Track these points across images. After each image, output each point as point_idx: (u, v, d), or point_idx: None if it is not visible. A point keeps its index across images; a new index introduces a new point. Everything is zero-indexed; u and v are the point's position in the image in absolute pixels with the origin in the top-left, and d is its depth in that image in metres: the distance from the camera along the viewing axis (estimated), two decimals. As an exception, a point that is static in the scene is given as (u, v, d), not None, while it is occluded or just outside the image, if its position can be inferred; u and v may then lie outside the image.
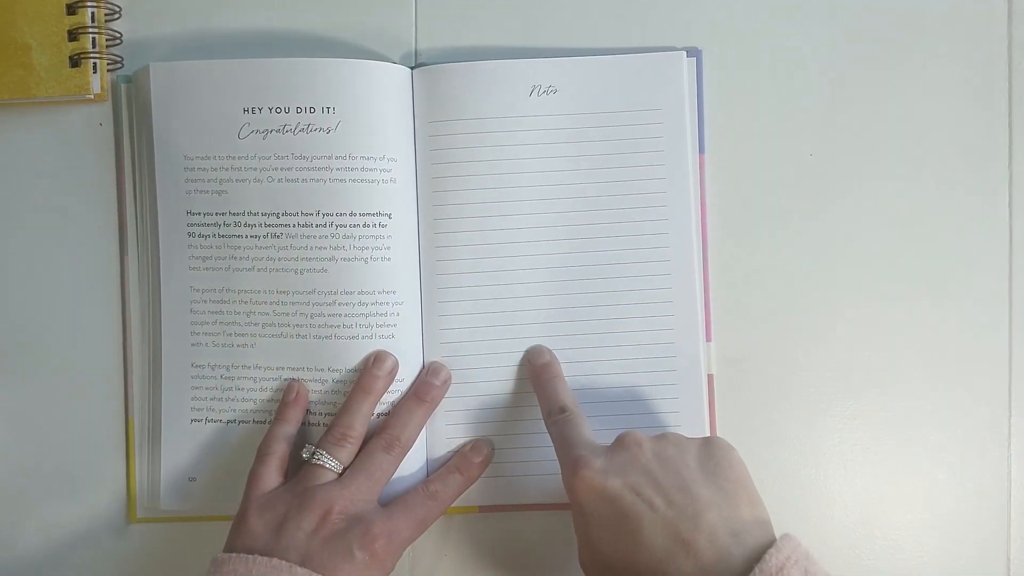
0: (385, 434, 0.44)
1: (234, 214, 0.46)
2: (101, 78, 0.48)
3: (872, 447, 0.48)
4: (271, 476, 0.43)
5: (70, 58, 0.47)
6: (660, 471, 0.38)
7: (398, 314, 0.46)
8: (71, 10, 0.47)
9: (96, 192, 0.48)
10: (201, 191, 0.46)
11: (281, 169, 0.45)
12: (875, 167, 0.48)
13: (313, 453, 0.43)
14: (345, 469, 0.43)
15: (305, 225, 0.45)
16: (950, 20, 0.48)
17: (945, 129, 0.48)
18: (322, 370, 0.46)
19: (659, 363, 0.47)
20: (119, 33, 0.48)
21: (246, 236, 0.46)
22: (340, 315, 0.45)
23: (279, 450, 0.44)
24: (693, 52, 0.48)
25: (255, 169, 0.46)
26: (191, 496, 0.47)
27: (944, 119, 0.48)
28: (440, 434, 0.47)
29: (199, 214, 0.46)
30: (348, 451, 0.43)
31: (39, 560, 0.48)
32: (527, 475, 0.47)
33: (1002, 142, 0.47)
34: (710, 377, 0.48)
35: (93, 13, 0.47)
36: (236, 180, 0.46)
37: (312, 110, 0.45)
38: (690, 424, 0.46)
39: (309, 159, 0.45)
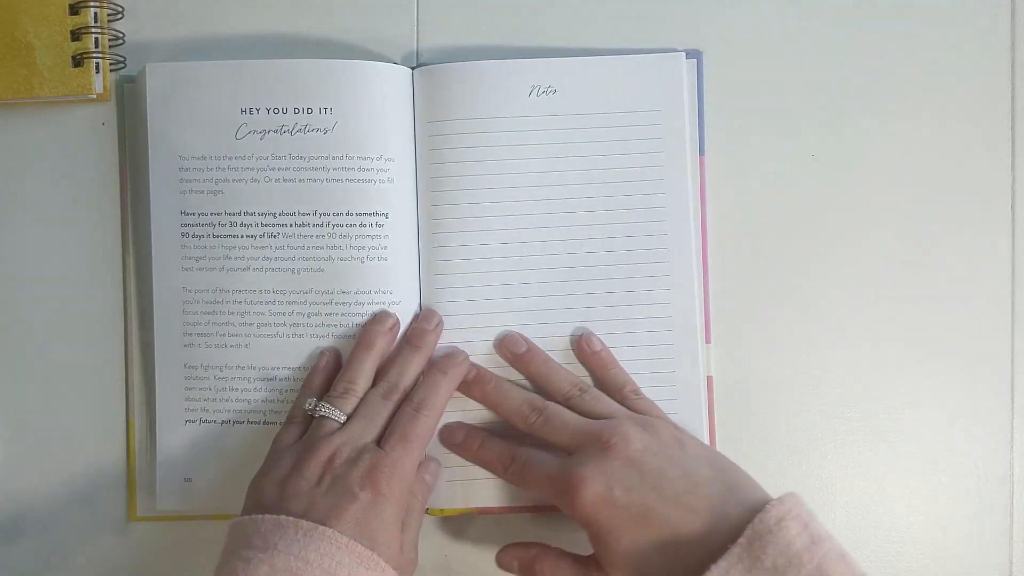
0: (383, 383, 0.44)
1: (230, 214, 0.46)
2: (104, 78, 0.48)
3: (873, 448, 0.47)
4: (290, 437, 0.43)
5: (73, 58, 0.48)
6: (653, 462, 0.40)
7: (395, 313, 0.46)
8: (74, 10, 0.47)
9: (98, 192, 0.49)
10: (196, 191, 0.46)
11: (278, 169, 0.46)
12: (877, 168, 0.48)
13: (316, 406, 0.43)
14: (348, 419, 0.43)
15: (302, 225, 0.46)
16: (954, 22, 0.47)
17: (947, 129, 0.47)
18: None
19: (658, 364, 0.46)
20: (122, 33, 0.49)
21: (242, 236, 0.46)
22: (336, 314, 0.46)
23: (302, 416, 0.44)
24: (694, 54, 0.48)
25: (252, 169, 0.46)
26: (187, 497, 0.47)
27: (946, 119, 0.47)
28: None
29: (193, 214, 0.46)
30: (351, 403, 0.43)
31: (40, 558, 0.48)
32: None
33: (1005, 141, 0.47)
34: (709, 379, 0.47)
35: (96, 13, 0.48)
36: (232, 180, 0.46)
37: (309, 111, 0.46)
38: (689, 425, 0.46)
39: (306, 159, 0.46)
